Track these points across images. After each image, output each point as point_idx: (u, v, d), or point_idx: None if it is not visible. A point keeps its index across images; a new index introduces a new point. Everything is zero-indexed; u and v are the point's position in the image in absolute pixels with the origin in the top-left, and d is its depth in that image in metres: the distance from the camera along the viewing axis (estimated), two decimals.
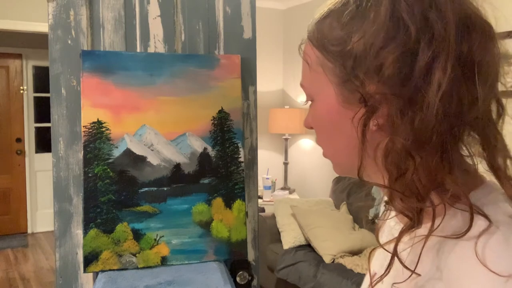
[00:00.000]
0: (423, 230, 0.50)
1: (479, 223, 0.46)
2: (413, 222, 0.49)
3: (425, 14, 0.48)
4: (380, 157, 0.51)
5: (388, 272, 0.51)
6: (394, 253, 0.50)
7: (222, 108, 1.22)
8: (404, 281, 0.50)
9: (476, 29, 0.51)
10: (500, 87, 0.55)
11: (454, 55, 0.48)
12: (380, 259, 0.61)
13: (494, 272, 0.42)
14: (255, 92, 1.33)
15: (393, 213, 0.61)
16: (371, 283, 0.58)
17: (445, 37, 0.47)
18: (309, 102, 0.61)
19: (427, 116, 0.47)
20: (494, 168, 0.51)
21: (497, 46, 0.53)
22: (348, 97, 0.53)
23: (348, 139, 0.55)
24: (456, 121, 0.48)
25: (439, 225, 0.48)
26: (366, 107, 0.51)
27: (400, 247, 0.51)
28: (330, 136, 0.58)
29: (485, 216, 0.46)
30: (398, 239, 0.50)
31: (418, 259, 0.49)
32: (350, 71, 0.52)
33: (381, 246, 0.54)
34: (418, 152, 0.48)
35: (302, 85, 0.60)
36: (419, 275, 0.49)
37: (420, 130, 0.47)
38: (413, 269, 0.49)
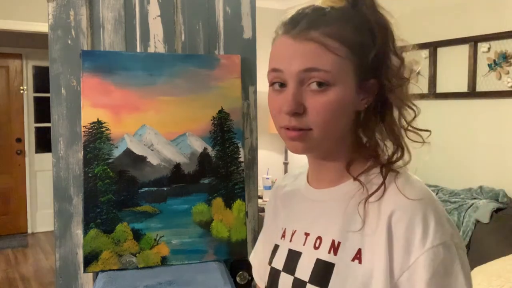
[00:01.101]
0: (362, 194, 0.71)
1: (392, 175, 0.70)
2: (376, 159, 0.72)
3: (387, 26, 0.70)
4: (361, 126, 0.73)
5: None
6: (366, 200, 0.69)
7: (222, 108, 1.22)
8: (359, 230, 0.68)
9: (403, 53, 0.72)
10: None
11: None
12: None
13: (399, 193, 0.66)
14: (255, 92, 1.32)
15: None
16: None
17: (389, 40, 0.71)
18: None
19: (402, 92, 0.71)
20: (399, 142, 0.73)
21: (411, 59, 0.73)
22: (360, 85, 0.69)
23: (347, 119, 0.71)
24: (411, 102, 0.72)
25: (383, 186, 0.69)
26: (368, 92, 0.70)
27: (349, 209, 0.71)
28: (336, 117, 0.69)
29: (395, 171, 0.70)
30: (367, 197, 0.69)
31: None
32: (363, 64, 0.68)
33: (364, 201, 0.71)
34: (395, 124, 0.71)
35: (322, 70, 0.67)
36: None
37: (395, 108, 0.71)
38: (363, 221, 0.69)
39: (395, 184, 0.68)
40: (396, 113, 0.71)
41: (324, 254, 0.71)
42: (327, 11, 0.68)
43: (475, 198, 2.74)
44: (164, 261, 1.16)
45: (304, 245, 0.76)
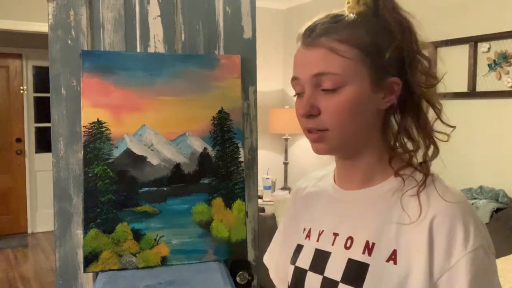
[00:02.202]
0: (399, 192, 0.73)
1: (420, 174, 0.73)
2: (410, 159, 0.74)
3: (410, 28, 0.73)
4: (388, 126, 0.75)
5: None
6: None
7: (222, 108, 1.22)
8: (412, 223, 0.69)
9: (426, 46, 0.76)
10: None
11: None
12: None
13: (442, 199, 0.69)
14: (255, 92, 1.32)
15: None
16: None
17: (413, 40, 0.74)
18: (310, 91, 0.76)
19: (427, 92, 0.74)
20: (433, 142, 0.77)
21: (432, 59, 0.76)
22: (377, 83, 0.71)
23: (365, 118, 0.73)
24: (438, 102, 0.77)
25: (424, 181, 0.72)
26: (389, 91, 0.72)
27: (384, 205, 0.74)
28: (352, 116, 0.71)
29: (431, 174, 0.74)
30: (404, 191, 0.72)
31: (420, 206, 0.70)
32: (379, 64, 0.71)
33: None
34: (425, 119, 0.74)
35: (330, 73, 0.71)
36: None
37: (423, 108, 0.73)
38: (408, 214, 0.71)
39: (434, 187, 0.71)
40: (424, 111, 0.74)
41: (357, 254, 0.73)
42: (340, 18, 0.72)
43: (475, 198, 2.74)
44: (164, 261, 1.16)
45: (333, 245, 0.77)
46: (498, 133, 2.88)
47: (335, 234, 0.77)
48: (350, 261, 0.73)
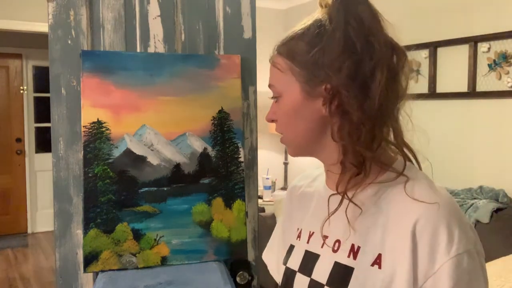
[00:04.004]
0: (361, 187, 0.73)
1: (402, 177, 0.70)
2: (359, 169, 0.72)
3: (366, 38, 0.70)
4: (335, 131, 0.73)
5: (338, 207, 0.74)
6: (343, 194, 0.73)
7: (222, 108, 1.22)
8: (396, 226, 0.68)
9: (398, 50, 0.73)
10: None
11: (387, 64, 0.71)
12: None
13: (423, 201, 0.66)
14: (255, 92, 1.32)
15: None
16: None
17: (382, 53, 0.70)
18: (272, 100, 0.82)
19: (372, 101, 0.69)
20: (401, 149, 0.73)
21: (408, 63, 0.74)
22: (309, 92, 0.74)
23: (307, 124, 0.76)
24: (388, 107, 0.71)
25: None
26: (325, 97, 0.72)
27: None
28: (293, 122, 0.77)
29: (405, 175, 0.71)
30: (347, 186, 0.72)
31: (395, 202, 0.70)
32: (313, 73, 0.73)
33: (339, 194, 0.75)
34: (365, 126, 0.70)
35: (271, 85, 0.81)
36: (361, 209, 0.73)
37: (368, 111, 0.69)
38: (360, 210, 0.71)
39: (418, 189, 0.69)
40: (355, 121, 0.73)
41: (343, 257, 0.72)
42: (295, 31, 0.77)
43: (475, 198, 2.74)
44: (164, 261, 1.16)
45: (322, 247, 0.77)
46: (498, 133, 2.88)
47: (325, 237, 0.77)
48: (336, 265, 0.72)
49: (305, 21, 0.77)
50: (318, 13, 0.75)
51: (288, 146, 0.82)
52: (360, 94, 0.70)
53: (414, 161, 0.76)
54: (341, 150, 0.74)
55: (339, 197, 0.75)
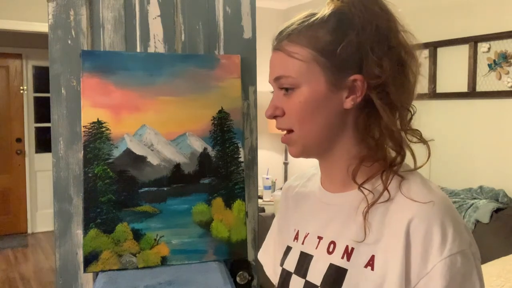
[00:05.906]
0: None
1: (397, 177, 0.70)
2: (400, 151, 0.70)
3: (397, 29, 0.71)
4: (360, 127, 0.72)
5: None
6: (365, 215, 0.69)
7: (222, 108, 1.22)
8: (389, 227, 0.68)
9: (410, 52, 0.74)
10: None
11: (414, 53, 0.73)
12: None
13: (417, 201, 0.66)
14: (255, 92, 1.32)
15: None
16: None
17: (409, 43, 0.72)
18: (270, 96, 0.77)
19: (407, 90, 0.71)
20: (402, 147, 0.72)
21: (417, 58, 0.74)
22: (334, 83, 0.70)
23: (326, 118, 0.72)
24: (407, 103, 0.71)
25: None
26: (351, 89, 0.70)
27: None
28: (309, 116, 0.72)
29: (400, 175, 0.70)
30: (371, 205, 0.69)
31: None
32: (341, 64, 0.70)
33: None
34: (401, 113, 0.70)
35: (283, 76, 0.74)
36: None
37: (392, 108, 0.69)
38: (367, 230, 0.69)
39: (413, 188, 0.68)
40: (388, 113, 0.70)
41: (337, 259, 0.72)
42: (307, 19, 0.73)
43: (475, 198, 2.74)
44: (164, 261, 1.16)
45: (316, 248, 0.76)
46: (498, 133, 2.88)
47: (319, 238, 0.76)
48: (331, 266, 0.72)
49: (311, 12, 0.74)
50: (330, 5, 0.72)
51: (294, 145, 0.75)
52: (395, 85, 0.69)
53: (412, 159, 0.74)
54: (364, 143, 0.72)
55: (337, 196, 0.75)
